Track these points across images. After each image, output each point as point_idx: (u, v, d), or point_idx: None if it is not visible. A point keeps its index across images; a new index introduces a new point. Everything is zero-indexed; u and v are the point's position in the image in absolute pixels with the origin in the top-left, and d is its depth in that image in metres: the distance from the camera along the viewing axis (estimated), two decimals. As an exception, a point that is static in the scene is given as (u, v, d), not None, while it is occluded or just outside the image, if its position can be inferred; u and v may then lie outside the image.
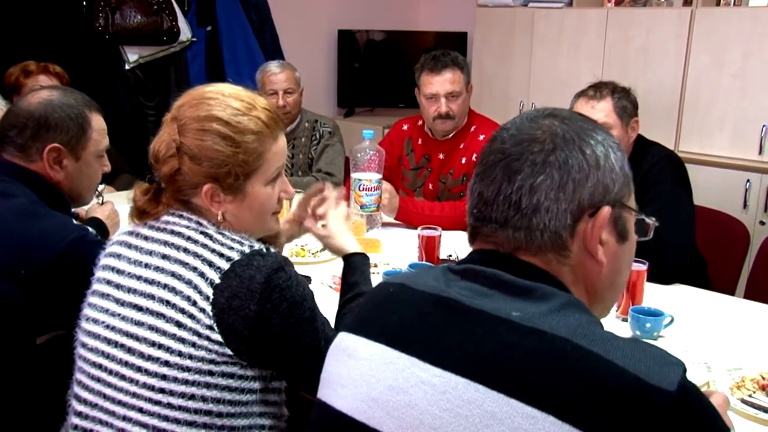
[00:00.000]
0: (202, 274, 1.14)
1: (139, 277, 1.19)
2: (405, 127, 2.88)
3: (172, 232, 1.21)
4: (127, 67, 3.70)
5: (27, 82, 2.59)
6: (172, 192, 1.23)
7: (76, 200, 1.67)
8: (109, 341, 1.19)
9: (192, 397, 1.13)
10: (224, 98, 1.23)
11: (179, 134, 1.20)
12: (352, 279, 1.48)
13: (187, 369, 1.12)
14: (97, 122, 1.65)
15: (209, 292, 1.13)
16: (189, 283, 1.14)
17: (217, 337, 1.12)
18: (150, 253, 1.20)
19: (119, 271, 1.22)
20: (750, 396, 1.37)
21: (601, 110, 2.15)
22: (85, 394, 1.21)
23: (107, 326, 1.19)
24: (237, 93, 1.25)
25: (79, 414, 1.22)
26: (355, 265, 1.51)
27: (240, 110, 1.22)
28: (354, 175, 2.42)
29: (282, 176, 1.32)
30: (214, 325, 1.12)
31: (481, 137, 2.68)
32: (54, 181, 1.58)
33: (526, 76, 4.13)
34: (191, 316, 1.13)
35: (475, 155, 2.66)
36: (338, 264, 2.00)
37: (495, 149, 0.88)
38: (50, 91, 1.63)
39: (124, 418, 1.16)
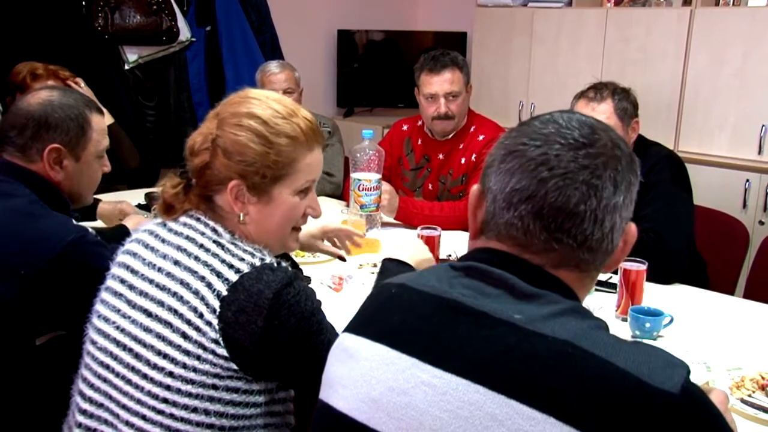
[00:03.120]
0: (209, 285, 1.13)
1: (151, 281, 1.18)
2: (405, 128, 2.88)
3: (187, 238, 1.20)
4: (126, 67, 3.69)
5: (33, 85, 2.59)
6: (200, 187, 1.23)
7: (77, 201, 1.67)
8: (118, 343, 1.18)
9: (195, 410, 1.12)
10: (267, 100, 1.25)
11: (217, 128, 1.22)
12: None
13: (191, 381, 1.11)
14: (98, 122, 1.65)
15: (216, 304, 1.12)
16: (196, 293, 1.13)
17: (223, 351, 1.11)
18: (164, 256, 1.19)
19: (134, 271, 1.21)
20: (749, 396, 1.37)
21: (602, 112, 2.14)
22: (90, 393, 1.21)
23: (117, 327, 1.19)
24: (281, 99, 1.28)
25: (84, 412, 1.21)
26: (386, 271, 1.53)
27: (280, 113, 1.24)
28: (353, 175, 2.42)
29: (312, 192, 1.31)
30: (220, 339, 1.11)
31: (481, 137, 2.68)
32: (54, 181, 1.58)
33: (525, 76, 4.13)
34: (197, 329, 1.12)
35: (474, 155, 2.66)
36: (338, 264, 2.00)
37: (563, 156, 0.84)
38: (50, 92, 1.63)
39: (127, 423, 1.15)
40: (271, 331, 1.12)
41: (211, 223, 1.21)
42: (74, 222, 1.58)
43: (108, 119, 2.85)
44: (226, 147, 1.20)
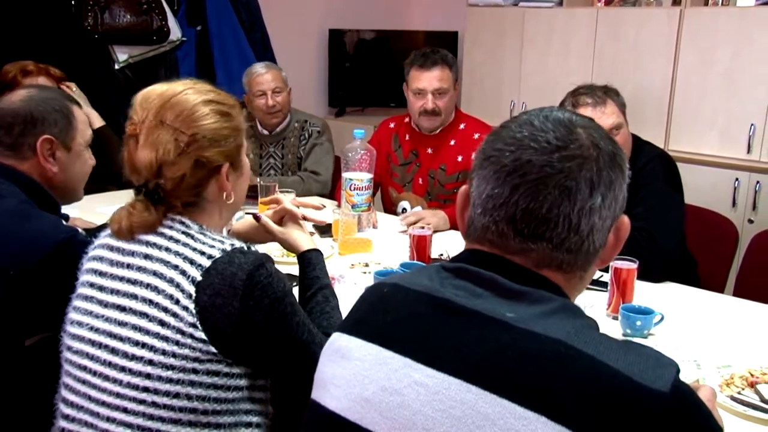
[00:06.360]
0: (183, 272, 1.14)
1: (121, 278, 1.19)
2: (392, 125, 2.92)
3: (155, 233, 1.21)
4: (116, 66, 3.68)
5: (25, 82, 2.58)
6: (185, 189, 1.20)
7: (71, 196, 1.67)
8: (93, 343, 1.19)
9: (177, 395, 1.13)
10: (195, 86, 1.26)
11: (180, 129, 1.19)
12: (313, 273, 1.50)
13: (172, 367, 1.12)
14: (79, 113, 1.67)
15: (192, 290, 1.13)
16: (171, 281, 1.14)
17: (201, 335, 1.13)
18: (132, 253, 1.20)
19: (101, 273, 1.22)
20: (739, 393, 1.38)
21: (611, 113, 2.12)
22: (71, 397, 1.21)
23: (91, 328, 1.20)
24: (196, 81, 1.29)
25: (66, 417, 1.22)
26: (314, 260, 1.52)
27: (213, 91, 1.28)
28: (345, 175, 2.42)
29: None
30: (198, 323, 1.12)
31: (476, 135, 2.70)
32: (50, 174, 1.59)
33: (516, 75, 4.14)
34: (174, 315, 1.13)
35: (474, 155, 2.66)
36: (333, 263, 2.00)
37: (536, 162, 0.83)
38: (28, 90, 1.65)
39: (108, 419, 1.16)
40: (248, 312, 1.14)
41: (178, 217, 1.22)
42: (64, 222, 1.57)
43: (98, 122, 2.85)
44: (211, 137, 1.22)
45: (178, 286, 1.14)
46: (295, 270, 1.57)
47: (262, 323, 1.16)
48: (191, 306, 1.13)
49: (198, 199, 1.24)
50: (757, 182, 3.27)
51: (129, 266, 1.19)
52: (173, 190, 1.21)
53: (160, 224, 1.21)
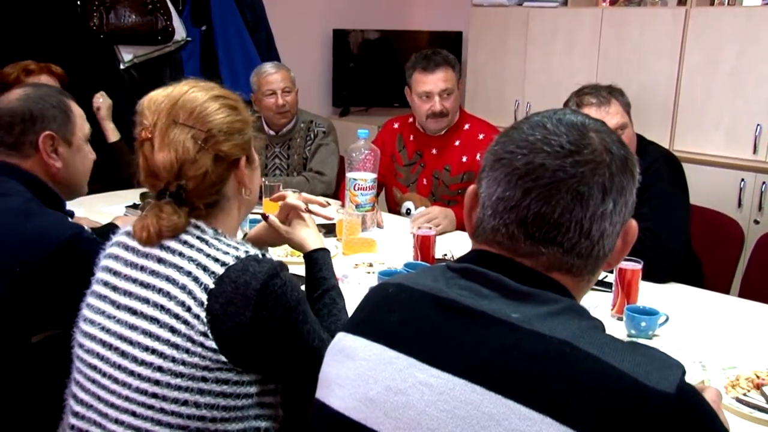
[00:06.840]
0: (196, 279, 1.13)
1: (134, 280, 1.18)
2: (396, 126, 2.92)
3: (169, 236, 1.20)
4: (121, 66, 3.69)
5: (28, 80, 2.59)
6: (208, 186, 1.20)
7: (75, 191, 1.68)
8: (104, 343, 1.18)
9: (185, 402, 1.12)
10: (199, 84, 1.25)
11: (194, 126, 1.18)
12: (320, 274, 1.49)
13: (181, 375, 1.12)
14: (76, 107, 1.68)
15: (203, 297, 1.12)
16: (183, 288, 1.13)
17: (211, 344, 1.11)
18: (146, 256, 1.19)
19: (116, 273, 1.21)
20: (744, 395, 1.38)
21: (616, 113, 2.12)
22: (81, 395, 1.22)
23: (103, 328, 1.19)
24: (194, 80, 1.28)
25: (76, 414, 1.22)
26: (321, 260, 1.51)
27: (216, 87, 1.27)
28: (349, 175, 2.42)
29: None
30: (209, 331, 1.11)
31: (481, 136, 2.70)
32: (53, 171, 1.60)
33: (520, 75, 4.13)
34: (185, 322, 1.12)
35: (479, 155, 2.67)
36: (337, 263, 1.99)
37: (549, 166, 0.83)
38: (23, 89, 1.66)
39: (117, 421, 1.15)
40: (260, 322, 1.13)
41: (193, 221, 1.20)
42: (70, 220, 1.58)
43: (114, 136, 2.87)
44: (226, 130, 1.21)
45: (190, 293, 1.13)
46: (300, 270, 1.57)
47: (274, 332, 1.15)
48: (202, 314, 1.11)
49: (219, 197, 1.23)
50: (763, 183, 3.26)
51: (142, 268, 1.18)
52: (195, 190, 1.19)
53: (185, 227, 1.18)
